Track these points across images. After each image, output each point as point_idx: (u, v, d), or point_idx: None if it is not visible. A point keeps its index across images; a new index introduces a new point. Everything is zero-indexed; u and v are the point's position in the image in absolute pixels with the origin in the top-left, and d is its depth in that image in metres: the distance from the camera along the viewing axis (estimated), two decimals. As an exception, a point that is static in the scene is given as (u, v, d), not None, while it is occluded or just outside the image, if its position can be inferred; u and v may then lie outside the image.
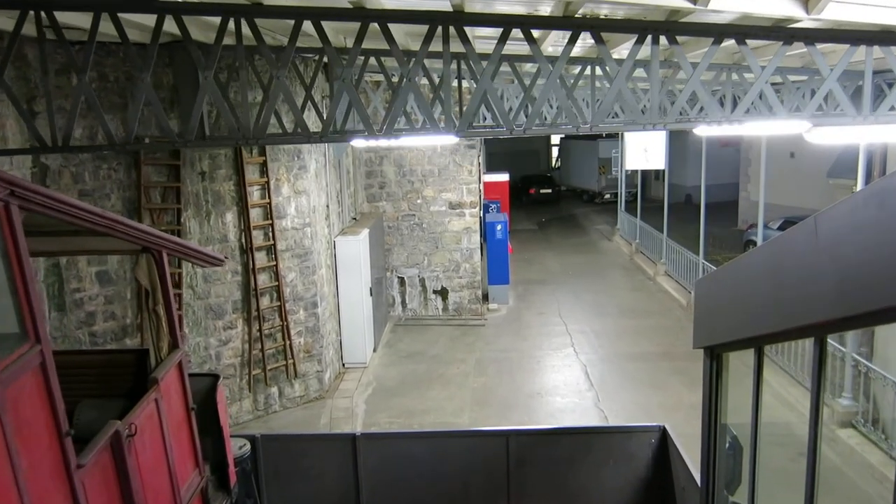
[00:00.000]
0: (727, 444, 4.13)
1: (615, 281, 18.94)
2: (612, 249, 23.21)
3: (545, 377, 12.25)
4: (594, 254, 22.63)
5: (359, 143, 9.58)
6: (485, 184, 23.18)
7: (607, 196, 32.16)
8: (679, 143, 18.94)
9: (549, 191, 34.10)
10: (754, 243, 20.79)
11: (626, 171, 24.72)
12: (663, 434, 7.07)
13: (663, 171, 31.65)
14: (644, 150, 12.64)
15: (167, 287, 5.08)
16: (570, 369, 12.50)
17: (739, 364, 4.00)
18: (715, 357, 4.41)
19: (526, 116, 7.71)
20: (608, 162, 31.98)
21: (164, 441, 4.62)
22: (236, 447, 6.93)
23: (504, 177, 24.29)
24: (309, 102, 8.85)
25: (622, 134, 23.62)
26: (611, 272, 20.02)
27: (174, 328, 5.19)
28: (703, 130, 8.56)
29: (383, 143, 9.76)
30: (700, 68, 5.58)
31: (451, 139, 8.77)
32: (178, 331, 5.30)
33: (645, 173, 23.80)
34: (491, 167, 25.36)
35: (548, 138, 41.33)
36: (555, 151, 41.39)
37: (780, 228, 17.29)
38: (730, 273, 3.82)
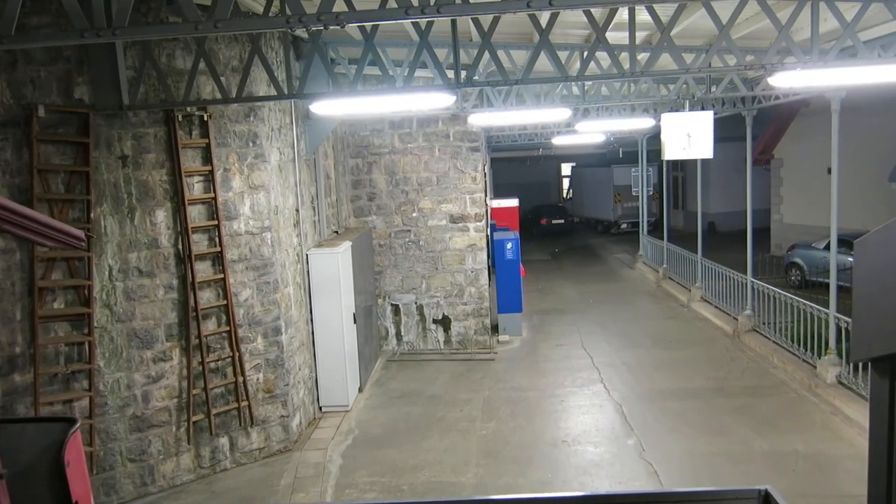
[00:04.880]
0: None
1: (644, 308, 16.51)
2: (636, 277, 20.84)
3: (571, 421, 9.77)
4: (616, 282, 20.25)
5: (320, 108, 7.38)
6: (493, 209, 21.22)
7: (624, 226, 30.22)
8: (698, 166, 17.40)
9: (562, 221, 32.19)
10: (798, 266, 18.54)
11: (649, 190, 22.55)
12: (766, 500, 4.71)
13: (684, 197, 30.24)
14: (687, 136, 10.37)
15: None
16: (602, 410, 10.02)
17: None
18: (900, 373, 2.54)
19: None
20: (625, 189, 30.05)
21: None
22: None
23: (514, 202, 22.30)
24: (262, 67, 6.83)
25: (644, 146, 21.67)
26: (637, 300, 17.60)
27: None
28: (782, 78, 6.32)
29: (350, 104, 7.60)
30: None
31: (440, 80, 6.56)
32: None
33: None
34: (499, 198, 23.43)
35: (558, 169, 39.43)
36: (566, 182, 39.49)
37: (827, 248, 14.93)
38: None
